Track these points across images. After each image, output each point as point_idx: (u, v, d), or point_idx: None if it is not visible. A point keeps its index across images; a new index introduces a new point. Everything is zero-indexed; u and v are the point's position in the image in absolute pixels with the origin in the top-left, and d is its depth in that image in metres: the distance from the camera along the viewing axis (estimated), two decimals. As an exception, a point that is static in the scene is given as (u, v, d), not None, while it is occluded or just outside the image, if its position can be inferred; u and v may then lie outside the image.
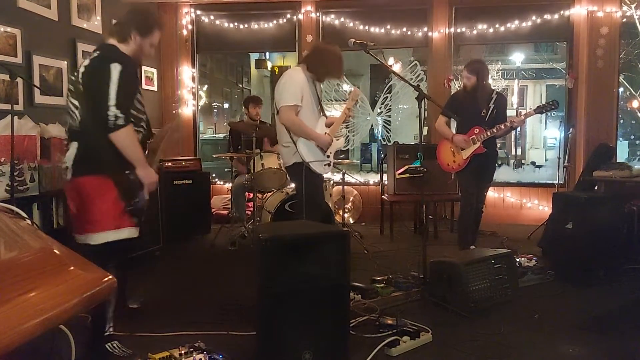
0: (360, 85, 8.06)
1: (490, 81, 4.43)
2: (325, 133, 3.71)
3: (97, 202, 2.48)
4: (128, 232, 2.53)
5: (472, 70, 4.26)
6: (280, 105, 3.55)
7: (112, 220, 2.49)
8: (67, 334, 1.97)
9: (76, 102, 2.53)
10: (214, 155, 6.54)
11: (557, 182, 5.94)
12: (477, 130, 4.21)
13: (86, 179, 2.49)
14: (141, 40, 2.65)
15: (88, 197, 2.48)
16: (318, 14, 6.62)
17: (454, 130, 4.43)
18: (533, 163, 11.94)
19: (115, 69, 2.45)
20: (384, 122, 7.07)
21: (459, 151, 4.31)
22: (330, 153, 3.77)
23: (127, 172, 2.53)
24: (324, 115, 3.81)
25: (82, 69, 2.54)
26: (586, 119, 6.04)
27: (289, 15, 6.71)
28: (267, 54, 16.05)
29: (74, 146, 2.53)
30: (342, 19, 6.59)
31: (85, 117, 2.50)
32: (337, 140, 3.87)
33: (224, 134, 7.86)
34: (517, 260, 3.78)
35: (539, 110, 4.20)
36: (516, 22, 6.26)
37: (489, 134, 4.16)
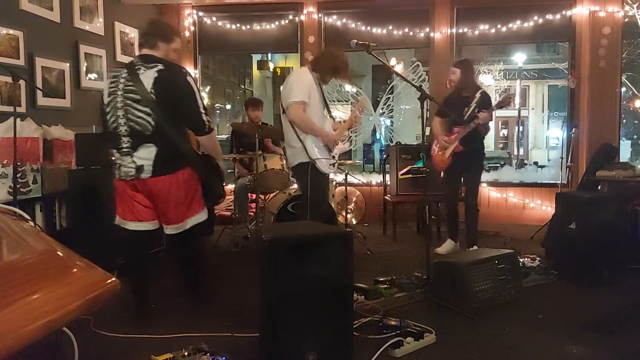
0: (362, 86, 8.05)
1: (478, 81, 4.60)
2: None
3: (192, 190, 2.89)
4: (205, 214, 3.03)
5: (457, 64, 4.63)
6: (288, 101, 3.57)
7: (202, 204, 2.99)
8: (70, 336, 1.97)
9: (147, 109, 2.74)
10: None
11: (560, 182, 5.92)
12: (457, 129, 4.44)
13: (179, 173, 2.81)
14: (167, 47, 2.99)
15: (184, 188, 2.84)
16: (320, 15, 6.61)
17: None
18: (536, 163, 11.89)
19: (192, 81, 2.87)
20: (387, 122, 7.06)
21: (443, 150, 4.58)
22: (336, 154, 3.80)
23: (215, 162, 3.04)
24: (331, 117, 3.82)
25: (149, 80, 2.75)
26: (589, 118, 6.02)
27: (291, 17, 6.71)
28: (269, 55, 16.06)
29: (149, 148, 2.76)
30: (344, 20, 6.59)
31: (163, 122, 2.75)
32: (342, 143, 3.89)
33: (227, 135, 7.83)
34: (521, 260, 3.77)
35: (497, 106, 4.38)
36: (518, 22, 6.24)
37: (464, 133, 4.36)
